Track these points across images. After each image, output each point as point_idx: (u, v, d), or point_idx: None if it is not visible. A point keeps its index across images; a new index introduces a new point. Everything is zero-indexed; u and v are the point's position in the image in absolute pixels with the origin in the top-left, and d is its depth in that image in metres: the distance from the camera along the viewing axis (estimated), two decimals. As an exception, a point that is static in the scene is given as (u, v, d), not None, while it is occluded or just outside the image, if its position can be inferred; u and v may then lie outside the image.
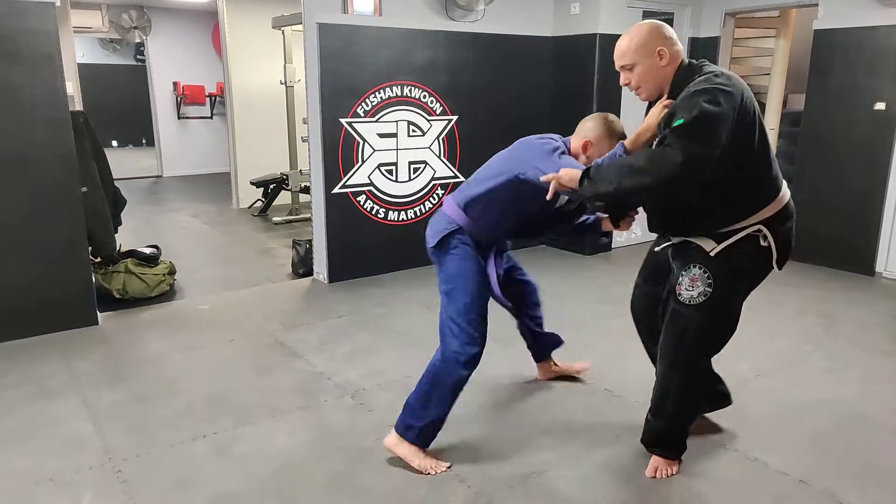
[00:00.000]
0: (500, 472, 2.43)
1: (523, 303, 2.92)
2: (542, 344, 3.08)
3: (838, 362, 3.34)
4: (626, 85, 2.18)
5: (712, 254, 2.13)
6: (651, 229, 2.39)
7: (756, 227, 2.09)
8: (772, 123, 6.15)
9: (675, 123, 1.91)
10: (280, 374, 3.25)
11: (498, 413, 2.87)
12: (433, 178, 5.04)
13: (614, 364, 3.30)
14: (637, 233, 5.77)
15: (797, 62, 6.30)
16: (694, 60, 2.15)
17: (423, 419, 2.41)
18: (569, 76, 5.34)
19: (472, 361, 2.39)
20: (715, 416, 2.73)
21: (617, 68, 2.16)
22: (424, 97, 4.86)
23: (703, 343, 2.23)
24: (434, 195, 5.07)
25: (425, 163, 4.98)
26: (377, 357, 3.43)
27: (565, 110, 5.40)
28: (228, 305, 4.32)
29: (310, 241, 4.93)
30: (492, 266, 2.49)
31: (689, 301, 2.18)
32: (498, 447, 2.59)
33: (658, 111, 2.11)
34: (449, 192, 5.03)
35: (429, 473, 2.40)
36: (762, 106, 6.24)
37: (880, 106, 4.63)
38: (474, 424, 2.76)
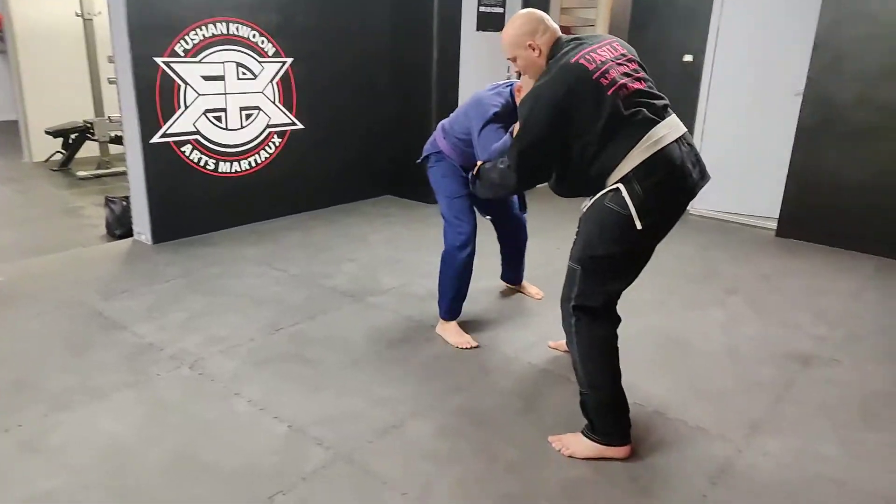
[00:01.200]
0: (358, 429, 2.33)
1: (509, 233, 3.42)
2: (510, 271, 3.61)
3: (660, 293, 3.62)
4: (517, 72, 2.34)
5: (583, 210, 2.18)
6: None
7: (615, 186, 2.05)
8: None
9: (514, 137, 2.19)
10: (101, 350, 2.86)
11: (353, 371, 2.75)
12: (268, 126, 4.67)
13: (486, 317, 3.30)
14: None
15: (618, 15, 6.63)
16: (564, 38, 2.20)
17: (445, 298, 3.02)
18: (408, 18, 5.16)
19: (465, 243, 2.94)
20: (562, 355, 2.85)
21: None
22: (254, 37, 4.44)
23: (567, 286, 2.18)
24: (270, 143, 4.71)
25: (259, 108, 4.59)
26: (216, 322, 3.15)
27: (406, 51, 5.23)
28: (30, 275, 3.73)
29: (126, 198, 4.39)
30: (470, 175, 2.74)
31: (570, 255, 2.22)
32: (354, 405, 2.48)
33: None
34: (287, 140, 4.79)
35: (458, 347, 2.96)
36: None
37: (688, 58, 5.00)
38: (330, 386, 2.62)
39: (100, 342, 2.93)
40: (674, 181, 2.11)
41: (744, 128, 4.85)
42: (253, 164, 4.65)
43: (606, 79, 2.03)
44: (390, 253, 4.20)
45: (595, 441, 2.20)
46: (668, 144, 2.09)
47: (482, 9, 5.42)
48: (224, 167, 4.49)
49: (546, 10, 5.61)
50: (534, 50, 2.19)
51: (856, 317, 3.41)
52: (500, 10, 5.60)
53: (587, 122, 2.03)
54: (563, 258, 3.88)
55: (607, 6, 6.32)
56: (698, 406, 2.53)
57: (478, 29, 5.43)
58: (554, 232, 4.62)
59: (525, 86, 2.41)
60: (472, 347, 2.95)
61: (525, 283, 3.64)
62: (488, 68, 5.66)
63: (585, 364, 2.17)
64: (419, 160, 3.12)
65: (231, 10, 4.27)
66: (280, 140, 4.77)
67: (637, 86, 2.08)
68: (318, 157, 5.05)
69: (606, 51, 2.10)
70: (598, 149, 2.05)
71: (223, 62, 4.32)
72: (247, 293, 3.50)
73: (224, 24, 4.25)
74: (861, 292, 3.75)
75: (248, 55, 4.44)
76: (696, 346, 3.05)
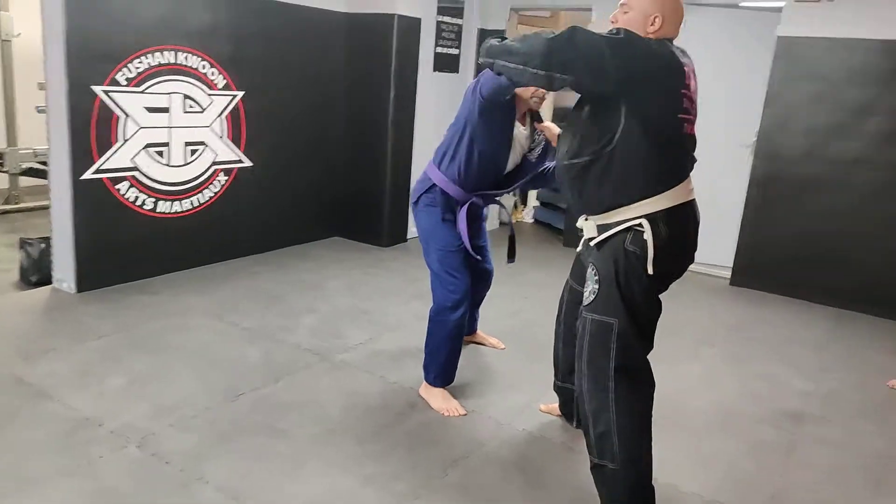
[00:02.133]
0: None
1: (474, 282, 2.94)
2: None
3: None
4: (612, 22, 2.04)
5: (592, 244, 2.03)
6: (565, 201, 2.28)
7: (638, 221, 1.93)
8: (548, 118, 6.45)
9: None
10: (26, 427, 2.41)
11: (333, 443, 2.44)
12: (214, 163, 4.31)
13: (463, 377, 3.05)
14: None
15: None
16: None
17: (435, 362, 2.76)
18: (365, 57, 4.96)
19: (460, 302, 2.69)
20: (556, 420, 2.66)
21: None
22: (204, 67, 4.10)
23: (600, 347, 1.97)
24: (216, 181, 4.34)
25: (205, 144, 4.23)
26: (164, 388, 2.75)
27: (361, 90, 5.02)
28: (-70, 330, 3.20)
29: (46, 240, 3.90)
30: (462, 219, 2.68)
31: (585, 302, 2.03)
32: (342, 485, 2.18)
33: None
34: (233, 178, 4.43)
35: (445, 415, 2.70)
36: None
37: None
38: (309, 462, 2.30)
39: (24, 417, 2.48)
40: (689, 238, 2.02)
41: (699, 178, 4.89)
42: (196, 203, 4.26)
43: (688, 102, 1.94)
44: (351, 302, 3.91)
45: None
46: (693, 199, 2.01)
47: (439, 49, 5.31)
48: (163, 207, 4.08)
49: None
50: (653, 24, 1.96)
51: (829, 370, 3.41)
52: (456, 51, 5.51)
53: (648, 109, 1.89)
54: (532, 308, 3.73)
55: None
56: (708, 476, 2.39)
57: (434, 70, 5.30)
58: (519, 278, 4.47)
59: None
60: (461, 415, 2.71)
61: (480, 332, 3.43)
62: (445, 110, 5.53)
63: (624, 436, 1.95)
64: (414, 201, 2.80)
65: (181, 37, 3.93)
66: (226, 178, 4.41)
67: (692, 130, 1.99)
68: (267, 196, 4.72)
69: (694, 82, 1.99)
70: (639, 156, 1.91)
71: (169, 93, 3.95)
72: (196, 351, 3.11)
73: (172, 52, 3.90)
74: (827, 344, 3.79)
75: (197, 87, 4.10)
76: (686, 403, 2.94)
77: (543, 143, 2.70)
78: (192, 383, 2.80)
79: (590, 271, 2.05)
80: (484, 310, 3.37)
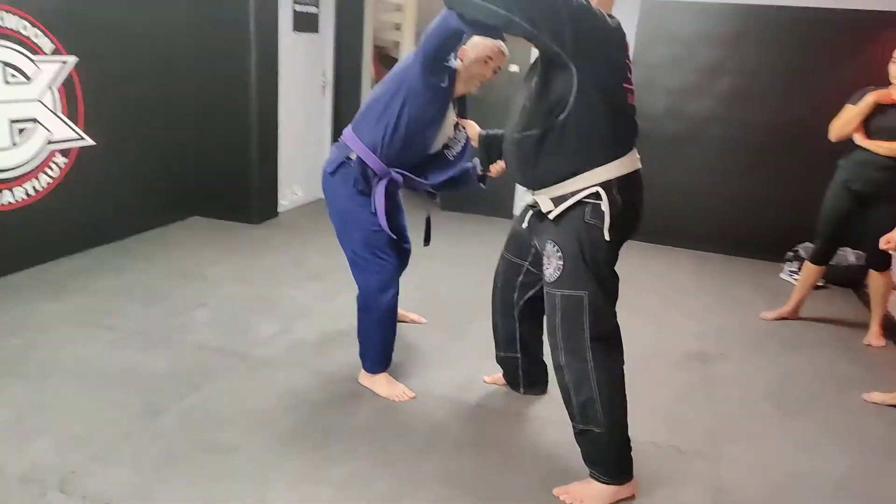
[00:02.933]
0: None
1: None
2: None
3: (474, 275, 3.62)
4: None
5: (551, 217, 2.02)
6: (510, 176, 2.26)
7: (594, 189, 1.95)
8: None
9: None
10: None
11: (290, 451, 2.23)
12: (49, 142, 3.64)
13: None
14: (298, 193, 5.34)
15: (424, 19, 6.59)
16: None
17: (372, 348, 2.62)
18: (217, 16, 4.43)
19: (389, 283, 2.53)
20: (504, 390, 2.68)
21: None
22: (25, 29, 3.40)
23: (573, 320, 1.99)
24: (52, 164, 3.68)
25: (36, 121, 3.55)
26: (63, 416, 2.31)
27: (217, 57, 4.50)
28: None
29: None
30: (380, 194, 2.45)
31: (550, 279, 2.04)
32: (320, 495, 2.00)
33: None
34: (74, 159, 3.78)
35: (395, 400, 2.57)
36: (394, 60, 6.36)
37: (514, 68, 5.14)
38: (274, 477, 2.08)
39: None
40: (640, 204, 2.09)
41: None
42: (31, 191, 3.58)
43: (629, 73, 1.97)
44: (243, 290, 3.57)
45: (609, 484, 2.06)
46: (639, 168, 2.07)
47: (297, 8, 4.91)
48: (-7, 198, 3.39)
49: (360, 16, 5.32)
50: None
51: (710, 310, 3.79)
52: (315, 9, 5.15)
53: (600, 76, 1.90)
54: (434, 279, 3.67)
55: (413, 8, 6.20)
56: (653, 422, 2.55)
57: (294, 30, 4.91)
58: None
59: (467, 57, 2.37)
60: (410, 399, 2.61)
61: (400, 309, 3.24)
62: (309, 72, 5.18)
63: (608, 400, 2.01)
64: (331, 172, 2.50)
65: (-7, -10, 3.22)
66: (65, 160, 3.76)
67: (633, 101, 2.01)
68: (115, 178, 4.10)
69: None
70: (592, 125, 1.93)
71: (-14, 60, 3.24)
72: (82, 367, 2.65)
73: (-14, 9, 3.19)
74: (699, 286, 4.20)
75: (19, 52, 3.39)
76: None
77: (464, 140, 2.60)
78: (93, 405, 2.39)
79: (550, 247, 2.04)
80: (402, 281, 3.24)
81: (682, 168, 4.79)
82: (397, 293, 2.59)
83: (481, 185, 2.75)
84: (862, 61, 4.27)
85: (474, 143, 2.61)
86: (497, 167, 2.59)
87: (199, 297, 3.42)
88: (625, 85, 1.98)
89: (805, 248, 4.40)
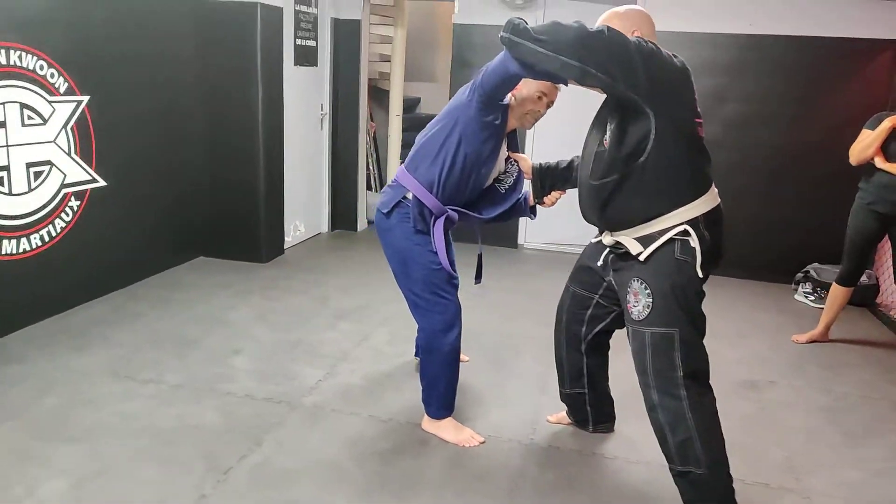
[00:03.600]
0: None
1: None
2: None
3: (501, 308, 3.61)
4: None
5: (642, 258, 2.01)
6: (585, 218, 2.22)
7: (682, 228, 1.96)
8: (396, 109, 6.31)
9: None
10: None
11: (373, 509, 2.13)
12: (63, 185, 3.48)
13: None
14: (301, 229, 5.27)
15: (412, 51, 6.61)
16: None
17: (436, 392, 2.52)
18: (224, 52, 4.34)
19: (453, 323, 2.46)
20: (573, 430, 2.63)
21: None
22: (42, 68, 3.26)
23: (665, 357, 1.97)
24: (67, 209, 3.51)
25: (51, 163, 3.39)
26: (125, 482, 2.16)
27: (224, 92, 4.40)
28: None
29: None
30: (439, 232, 2.42)
31: (639, 317, 2.02)
32: None
33: None
34: (86, 202, 3.61)
35: (464, 446, 2.49)
36: (384, 93, 6.34)
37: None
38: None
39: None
40: (721, 240, 2.10)
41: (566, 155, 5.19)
42: (46, 238, 3.41)
43: (698, 106, 2.00)
44: (274, 335, 3.44)
45: None
46: (720, 202, 2.08)
47: (298, 41, 4.86)
48: (8, 247, 3.20)
49: (357, 46, 5.29)
50: (632, 34, 1.94)
51: (744, 336, 3.83)
52: (314, 43, 5.10)
53: (676, 116, 1.93)
54: (474, 316, 3.57)
55: (402, 40, 6.19)
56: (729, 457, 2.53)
57: (295, 64, 4.85)
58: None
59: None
60: (480, 444, 2.53)
61: None
62: (309, 106, 5.12)
63: (707, 439, 1.97)
64: (387, 213, 2.44)
65: (9, 31, 3.07)
66: (79, 203, 3.59)
67: (702, 132, 2.03)
68: (125, 220, 3.94)
69: None
70: (672, 164, 1.95)
71: (2, 103, 3.08)
72: (132, 426, 2.50)
73: (3, 51, 3.04)
74: (725, 310, 4.24)
75: (35, 93, 3.25)
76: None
77: (516, 173, 2.59)
78: (156, 468, 2.25)
79: (637, 285, 2.03)
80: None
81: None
82: (460, 332, 2.53)
83: (532, 216, 2.72)
84: (857, 86, 4.44)
85: (527, 176, 2.59)
86: (551, 198, 2.59)
87: (230, 344, 3.28)
88: (696, 120, 2.00)
89: (816, 269, 4.51)
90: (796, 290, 4.57)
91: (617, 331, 2.41)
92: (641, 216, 2.01)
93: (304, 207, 5.23)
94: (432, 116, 7.50)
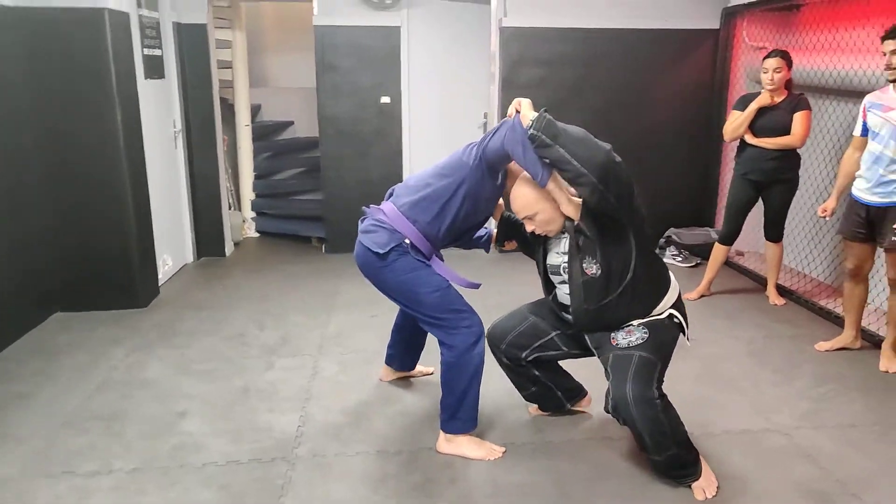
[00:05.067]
0: None
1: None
2: (410, 357, 3.05)
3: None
4: None
5: (636, 322, 2.28)
6: (583, 331, 2.37)
7: (668, 312, 2.29)
8: (244, 119, 5.85)
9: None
10: None
11: None
12: None
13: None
14: (169, 263, 4.88)
15: (254, 57, 6.16)
16: None
17: (466, 407, 2.45)
18: (68, 67, 3.66)
19: (480, 336, 2.44)
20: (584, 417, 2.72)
21: None
22: None
23: (645, 378, 2.17)
24: None
25: None
26: None
27: (71, 115, 3.72)
28: None
29: None
30: (441, 267, 2.44)
31: (629, 344, 2.23)
32: None
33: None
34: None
35: (490, 459, 2.45)
36: (230, 106, 5.84)
37: (386, 99, 5.10)
38: None
39: None
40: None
41: (439, 155, 5.22)
42: None
43: None
44: (211, 386, 3.04)
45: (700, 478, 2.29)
46: None
47: (146, 51, 4.28)
48: None
49: (206, 52, 4.83)
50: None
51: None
52: (160, 51, 4.53)
53: (645, 230, 2.23)
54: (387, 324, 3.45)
55: (243, 44, 5.71)
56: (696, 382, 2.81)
57: (146, 77, 4.27)
58: (336, 299, 4.14)
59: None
60: (503, 453, 2.50)
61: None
62: (159, 123, 4.54)
63: (677, 433, 2.24)
64: (383, 253, 2.35)
65: None
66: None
67: None
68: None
69: None
70: (649, 272, 2.23)
71: None
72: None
73: None
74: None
75: None
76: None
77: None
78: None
79: (633, 325, 2.26)
80: (356, 338, 3.05)
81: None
82: (485, 345, 2.49)
83: (487, 250, 2.79)
84: (689, 70, 5.09)
85: (495, 217, 2.64)
86: (510, 245, 2.67)
87: (167, 408, 2.84)
88: None
89: (676, 234, 5.11)
90: (663, 254, 5.13)
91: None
92: (642, 314, 2.27)
93: (169, 237, 4.65)
94: (278, 123, 7.13)
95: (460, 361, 2.42)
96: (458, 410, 2.47)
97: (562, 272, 2.30)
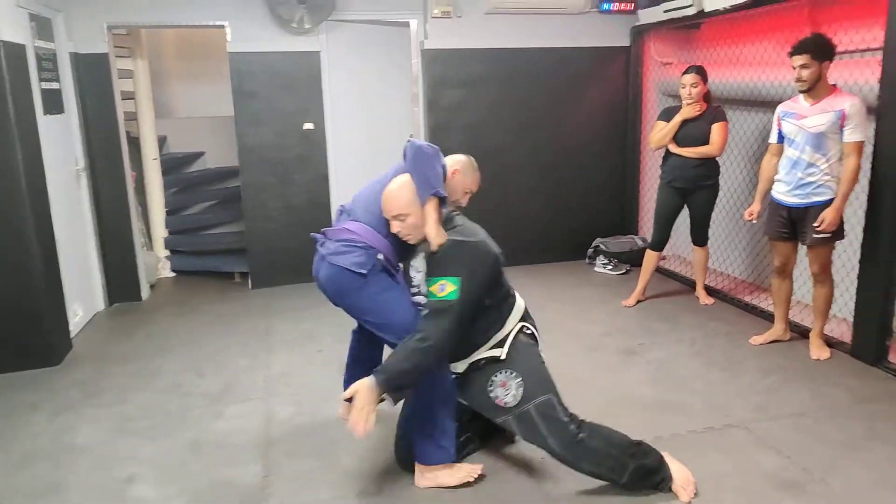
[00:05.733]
0: None
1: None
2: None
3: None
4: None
5: (503, 357, 2.33)
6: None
7: (520, 325, 2.41)
8: (152, 153, 5.49)
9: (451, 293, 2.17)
10: None
11: None
12: None
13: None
14: (79, 313, 4.65)
15: (158, 86, 5.80)
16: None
17: (440, 433, 2.36)
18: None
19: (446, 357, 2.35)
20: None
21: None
22: None
23: (554, 419, 2.25)
24: None
25: None
26: None
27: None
28: None
29: None
30: (400, 277, 2.42)
31: (516, 400, 2.29)
32: None
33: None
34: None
35: (471, 481, 2.39)
36: (135, 140, 5.47)
37: (309, 125, 4.96)
38: None
39: None
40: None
41: (367, 178, 5.13)
42: None
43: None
44: (155, 444, 2.79)
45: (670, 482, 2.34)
46: None
47: (44, 85, 3.93)
48: None
49: (108, 86, 4.52)
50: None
51: (589, 312, 4.29)
52: (58, 84, 4.17)
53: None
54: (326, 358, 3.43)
55: (146, 74, 5.36)
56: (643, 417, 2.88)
57: (45, 112, 3.92)
58: (271, 339, 3.94)
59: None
60: (481, 474, 2.43)
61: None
62: (62, 163, 4.17)
63: (619, 446, 2.28)
64: (364, 273, 2.28)
65: None
66: None
67: None
68: None
69: None
70: (492, 295, 2.35)
71: None
72: None
73: None
74: (554, 296, 4.69)
75: None
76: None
77: None
78: None
79: (502, 376, 2.32)
80: (305, 376, 2.92)
81: (486, 197, 5.16)
82: None
83: None
84: (604, 85, 5.29)
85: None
86: None
87: (110, 473, 2.58)
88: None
89: (603, 243, 5.26)
90: (593, 263, 5.27)
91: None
92: (491, 338, 2.36)
93: (78, 284, 4.26)
94: (187, 154, 6.83)
95: (430, 382, 2.32)
96: (437, 437, 2.37)
97: (417, 288, 2.37)
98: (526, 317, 2.46)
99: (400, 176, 2.33)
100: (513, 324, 2.39)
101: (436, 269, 2.24)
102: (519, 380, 2.28)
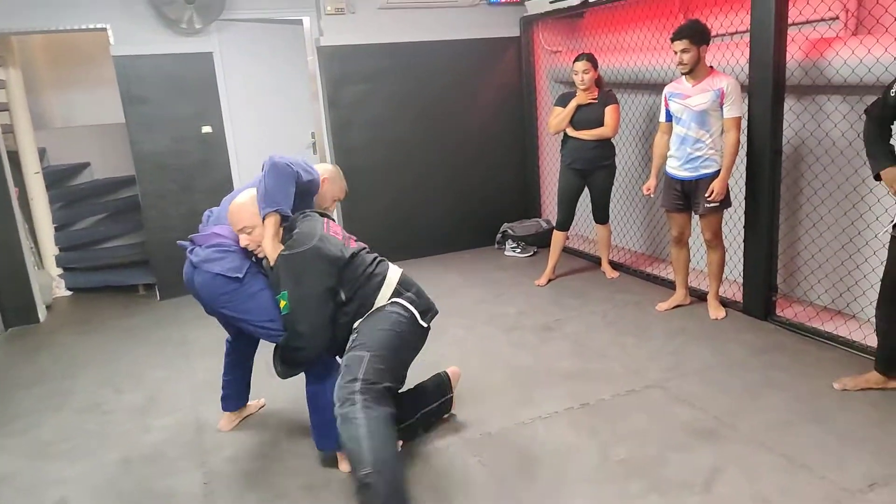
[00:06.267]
0: None
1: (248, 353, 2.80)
2: (246, 390, 2.91)
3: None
4: None
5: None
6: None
7: (390, 301, 2.36)
8: (33, 167, 5.11)
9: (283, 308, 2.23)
10: None
11: None
12: None
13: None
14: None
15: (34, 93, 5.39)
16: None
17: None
18: None
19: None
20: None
21: None
22: None
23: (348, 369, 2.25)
24: None
25: None
26: None
27: None
28: None
29: None
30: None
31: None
32: None
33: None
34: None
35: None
36: (13, 154, 5.07)
37: (207, 129, 4.81)
38: None
39: None
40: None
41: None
42: None
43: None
44: (75, 470, 2.65)
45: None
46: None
47: None
48: None
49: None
50: None
51: (506, 296, 4.46)
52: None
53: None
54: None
55: (20, 83, 4.98)
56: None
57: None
58: (187, 347, 3.83)
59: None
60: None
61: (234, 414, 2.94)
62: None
63: (362, 445, 2.07)
64: (241, 276, 2.33)
65: None
66: None
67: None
68: None
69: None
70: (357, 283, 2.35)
71: None
72: None
73: None
74: (470, 281, 4.82)
75: None
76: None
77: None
78: None
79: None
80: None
81: (393, 190, 5.28)
82: None
83: None
84: (498, 75, 5.47)
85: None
86: None
87: (40, 501, 2.43)
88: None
89: (510, 227, 5.46)
90: (502, 248, 5.46)
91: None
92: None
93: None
94: (70, 166, 6.57)
95: (322, 372, 2.39)
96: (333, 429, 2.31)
97: None
98: (400, 292, 2.39)
99: (248, 189, 2.37)
100: (381, 303, 2.35)
101: (276, 285, 2.26)
102: (355, 335, 2.30)
